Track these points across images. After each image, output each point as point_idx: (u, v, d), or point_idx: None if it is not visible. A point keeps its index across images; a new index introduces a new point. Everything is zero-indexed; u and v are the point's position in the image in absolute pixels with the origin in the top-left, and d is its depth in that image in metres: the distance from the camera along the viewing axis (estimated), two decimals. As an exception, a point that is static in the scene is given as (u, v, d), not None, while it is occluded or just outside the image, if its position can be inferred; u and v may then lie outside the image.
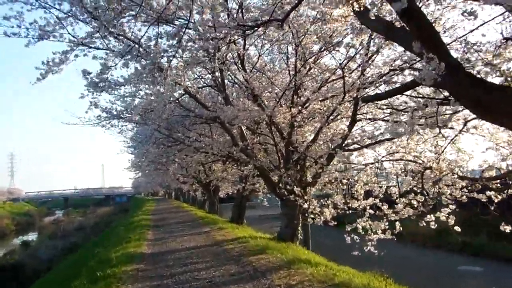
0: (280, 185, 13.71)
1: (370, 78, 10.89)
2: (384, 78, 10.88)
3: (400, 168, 11.74)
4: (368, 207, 11.34)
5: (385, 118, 12.86)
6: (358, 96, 11.50)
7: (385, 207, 11.14)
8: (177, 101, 14.64)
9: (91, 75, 11.89)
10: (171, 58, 8.99)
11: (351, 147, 13.28)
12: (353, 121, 12.23)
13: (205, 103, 12.99)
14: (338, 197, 11.55)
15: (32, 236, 55.16)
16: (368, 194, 11.80)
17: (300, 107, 12.28)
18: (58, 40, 8.80)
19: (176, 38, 7.99)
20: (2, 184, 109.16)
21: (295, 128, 12.88)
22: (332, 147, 13.14)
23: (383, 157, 10.72)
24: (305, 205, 12.15)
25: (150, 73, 10.47)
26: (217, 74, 12.96)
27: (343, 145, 12.54)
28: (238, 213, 22.61)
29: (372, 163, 10.80)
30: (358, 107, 12.27)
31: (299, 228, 14.15)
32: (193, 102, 17.38)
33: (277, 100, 11.37)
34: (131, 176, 56.23)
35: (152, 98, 10.47)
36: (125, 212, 54.98)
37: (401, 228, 9.85)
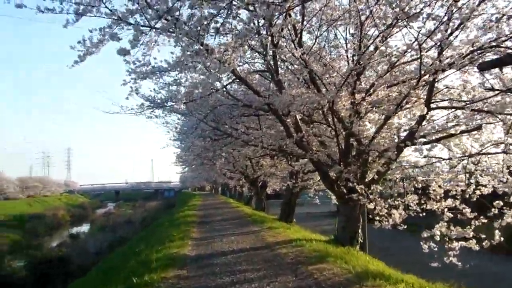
0: (339, 182, 12.01)
1: (449, 59, 9.08)
2: (466, 58, 9.02)
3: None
4: (446, 210, 9.50)
5: (464, 106, 10.84)
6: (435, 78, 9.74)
7: (467, 210, 9.28)
8: (224, 88, 13.25)
9: (131, 58, 10.80)
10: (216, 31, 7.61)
11: (420, 140, 11.35)
12: (427, 109, 10.40)
13: (256, 88, 11.43)
14: (411, 197, 9.72)
15: (84, 227, 56.25)
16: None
17: (363, 94, 10.53)
18: (95, 16, 7.57)
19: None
20: (59, 177, 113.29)
21: (357, 118, 11.14)
22: (399, 139, 11.34)
23: (483, 149, 8.73)
24: (370, 206, 10.41)
25: (195, 53, 9.08)
26: (269, 57, 11.44)
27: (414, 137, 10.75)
28: (287, 211, 21.03)
29: (463, 157, 8.91)
30: (433, 94, 10.45)
31: (359, 231, 12.39)
32: (242, 91, 16.00)
33: (339, 85, 9.62)
34: (178, 171, 55.93)
35: (198, 81, 9.05)
36: (172, 207, 54.88)
37: (501, 238, 7.97)
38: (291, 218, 20.99)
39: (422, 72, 9.32)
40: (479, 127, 10.29)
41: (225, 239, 12.81)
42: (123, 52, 7.26)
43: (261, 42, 11.46)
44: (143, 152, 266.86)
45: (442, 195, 9.35)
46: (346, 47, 12.07)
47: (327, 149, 13.06)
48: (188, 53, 9.94)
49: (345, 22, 11.64)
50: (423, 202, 9.78)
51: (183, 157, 28.12)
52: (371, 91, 11.02)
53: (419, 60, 9.94)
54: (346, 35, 12.09)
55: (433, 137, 11.05)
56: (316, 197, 21.42)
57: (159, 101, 12.51)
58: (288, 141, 14.20)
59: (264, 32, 10.70)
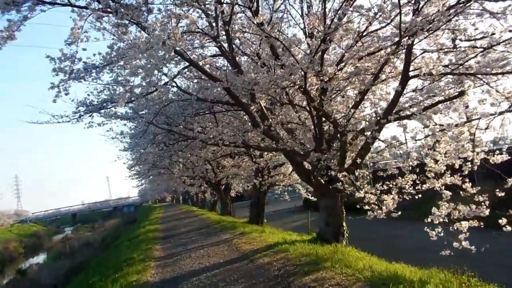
0: (316, 172, 10.47)
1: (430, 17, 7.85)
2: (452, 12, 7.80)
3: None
4: (443, 188, 8.16)
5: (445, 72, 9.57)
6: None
7: (467, 184, 7.97)
8: (173, 82, 11.40)
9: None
10: None
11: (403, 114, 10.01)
12: (406, 77, 9.12)
13: (211, 73, 9.63)
14: (409, 177, 8.28)
15: (41, 257, 52.22)
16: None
17: (333, 69, 9.02)
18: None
19: None
20: (9, 207, 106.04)
21: (330, 96, 9.64)
22: (377, 115, 9.94)
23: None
24: (359, 194, 8.91)
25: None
26: (222, 37, 9.74)
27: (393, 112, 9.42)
28: (257, 212, 19.37)
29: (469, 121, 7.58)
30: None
31: (344, 224, 10.92)
32: (195, 83, 14.20)
33: (311, 56, 8.01)
34: (135, 185, 53.05)
35: (139, 69, 7.17)
36: (133, 223, 52.14)
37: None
38: (261, 219, 19.35)
39: (402, 32, 7.95)
40: (462, 93, 9.09)
41: (194, 254, 10.96)
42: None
43: (210, 24, 9.78)
44: (98, 171, 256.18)
45: (443, 171, 7.96)
46: (304, 23, 10.57)
47: (297, 137, 11.53)
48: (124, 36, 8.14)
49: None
50: (418, 182, 8.38)
51: (137, 168, 25.76)
52: (342, 65, 9.58)
53: (396, 20, 8.66)
54: (302, 10, 10.62)
55: (415, 109, 9.78)
56: (286, 193, 19.88)
57: (95, 103, 10.44)
58: (253, 133, 12.59)
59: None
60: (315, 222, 17.43)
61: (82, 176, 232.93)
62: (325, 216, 10.87)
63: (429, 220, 7.53)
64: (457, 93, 9.23)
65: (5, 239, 66.62)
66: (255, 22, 7.41)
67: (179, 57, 10.16)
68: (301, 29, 10.78)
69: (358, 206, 9.09)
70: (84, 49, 8.62)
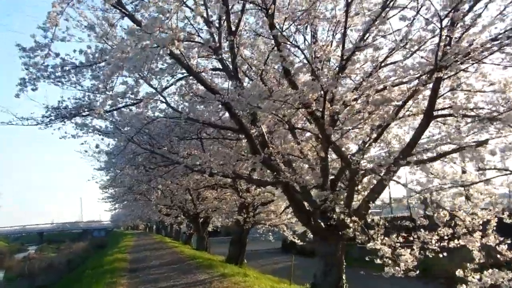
0: (320, 213, 8.98)
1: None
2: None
3: None
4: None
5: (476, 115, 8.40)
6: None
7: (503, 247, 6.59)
8: (161, 97, 9.95)
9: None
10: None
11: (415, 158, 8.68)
12: (429, 116, 7.94)
13: (211, 85, 8.18)
14: (443, 231, 6.82)
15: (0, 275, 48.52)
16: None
17: (352, 94, 7.72)
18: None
19: None
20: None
21: (339, 128, 8.31)
22: (393, 154, 8.59)
23: None
24: (371, 244, 7.42)
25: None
26: (224, 49, 8.44)
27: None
28: (238, 251, 17.59)
29: None
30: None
31: (344, 276, 9.34)
32: (185, 103, 12.74)
33: (337, 72, 6.67)
34: (107, 208, 50.65)
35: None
36: (102, 248, 49.35)
37: None
38: (242, 259, 17.56)
39: (438, 59, 6.75)
40: (484, 142, 7.89)
41: (165, 298, 9.19)
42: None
43: (211, 34, 8.48)
44: (72, 190, 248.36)
45: (480, 226, 6.55)
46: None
47: (297, 172, 10.06)
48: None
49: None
50: (446, 237, 6.94)
51: (111, 191, 23.82)
52: (357, 94, 8.28)
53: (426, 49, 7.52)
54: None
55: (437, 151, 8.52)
56: (270, 233, 18.23)
57: (70, 108, 8.85)
58: (247, 163, 11.12)
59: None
60: (297, 268, 15.84)
61: (55, 195, 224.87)
62: (323, 265, 9.27)
63: None
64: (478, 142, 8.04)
65: (-38, 254, 62.50)
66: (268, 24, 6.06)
67: (169, 69, 8.83)
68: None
69: (367, 259, 7.59)
70: (62, 40, 7.14)
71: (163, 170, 15.76)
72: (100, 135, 12.71)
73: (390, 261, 7.25)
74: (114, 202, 31.55)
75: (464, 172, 7.80)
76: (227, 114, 13.55)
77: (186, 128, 13.68)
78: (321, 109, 6.85)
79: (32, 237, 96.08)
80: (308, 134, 10.69)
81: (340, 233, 9.02)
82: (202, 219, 24.73)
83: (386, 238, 7.22)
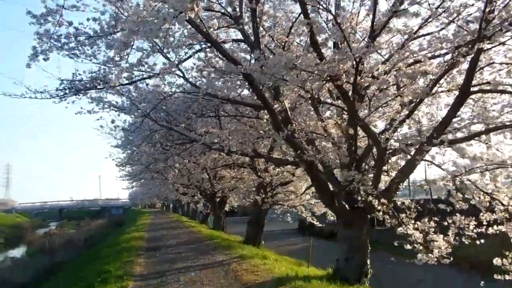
0: (343, 194, 8.48)
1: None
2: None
3: None
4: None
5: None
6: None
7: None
8: (178, 69, 9.45)
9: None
10: None
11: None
12: (465, 93, 7.33)
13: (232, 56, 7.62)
14: (485, 216, 6.26)
15: (20, 250, 49.52)
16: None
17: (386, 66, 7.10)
18: None
19: None
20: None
21: (367, 105, 7.71)
22: (424, 134, 8.00)
23: None
24: (402, 229, 6.90)
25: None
26: (245, 18, 7.89)
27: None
28: (255, 232, 17.24)
29: None
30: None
31: (368, 262, 8.87)
32: (202, 78, 12.21)
33: (368, 41, 6.07)
34: (125, 186, 50.40)
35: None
36: (119, 226, 49.72)
37: None
38: (259, 240, 17.23)
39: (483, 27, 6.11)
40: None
41: (183, 278, 8.85)
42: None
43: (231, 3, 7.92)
44: (91, 167, 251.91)
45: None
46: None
47: (319, 151, 9.53)
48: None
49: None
50: (485, 223, 6.38)
51: (128, 169, 23.61)
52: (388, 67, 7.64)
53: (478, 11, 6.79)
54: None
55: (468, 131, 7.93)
56: (288, 214, 17.83)
57: (85, 81, 8.40)
58: (267, 141, 10.61)
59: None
60: (314, 250, 15.43)
61: (74, 172, 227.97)
62: (346, 250, 8.81)
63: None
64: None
65: (-15, 227, 63.95)
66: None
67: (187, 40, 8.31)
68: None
69: (396, 244, 7.09)
70: (74, 7, 6.66)
71: (180, 148, 15.39)
72: (116, 111, 12.37)
73: (421, 247, 6.74)
74: (131, 180, 31.48)
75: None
76: (246, 92, 13.05)
77: (204, 105, 13.22)
78: (350, 83, 6.26)
79: (53, 213, 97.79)
80: (330, 110, 10.14)
81: (365, 216, 8.53)
82: (219, 198, 24.45)
83: (418, 223, 6.70)
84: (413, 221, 6.87)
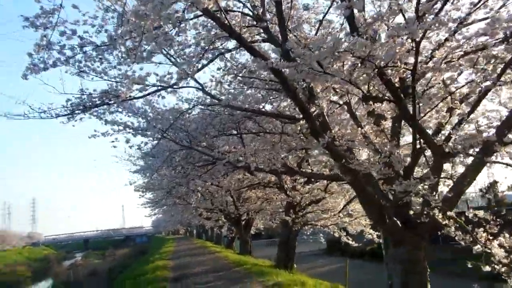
0: (394, 209, 7.20)
1: None
2: None
3: None
4: None
5: None
6: None
7: None
8: (194, 80, 8.46)
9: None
10: None
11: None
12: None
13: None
14: None
15: (47, 283, 48.85)
16: None
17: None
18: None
19: None
20: (24, 229, 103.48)
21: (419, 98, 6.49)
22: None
23: None
24: (478, 247, 5.59)
25: None
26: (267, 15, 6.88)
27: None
28: (286, 254, 15.90)
29: None
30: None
31: (428, 284, 7.51)
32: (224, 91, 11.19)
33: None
34: (147, 214, 49.58)
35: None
36: (143, 254, 48.83)
37: None
38: (291, 263, 15.86)
39: None
40: None
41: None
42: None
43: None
44: (113, 198, 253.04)
45: None
46: None
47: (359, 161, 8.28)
48: None
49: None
50: None
51: (149, 196, 22.65)
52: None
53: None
54: None
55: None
56: (321, 234, 16.48)
57: (95, 97, 7.41)
58: (298, 153, 9.46)
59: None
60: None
61: (97, 203, 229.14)
62: (401, 275, 7.47)
63: None
64: None
65: (14, 262, 63.83)
66: None
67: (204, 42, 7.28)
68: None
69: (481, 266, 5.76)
70: (75, 6, 5.73)
71: (201, 170, 14.39)
72: (131, 132, 11.44)
73: (505, 269, 5.42)
74: (153, 207, 30.57)
75: None
76: (268, 107, 12.01)
77: (224, 122, 12.22)
78: (408, 69, 5.10)
79: (78, 244, 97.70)
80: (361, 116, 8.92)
81: (423, 232, 7.24)
82: (244, 221, 23.20)
83: (502, 239, 5.40)
84: (490, 237, 5.56)
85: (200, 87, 9.16)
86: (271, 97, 10.34)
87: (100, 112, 9.55)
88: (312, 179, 13.32)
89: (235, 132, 13.05)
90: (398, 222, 7.59)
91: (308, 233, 17.56)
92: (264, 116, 10.34)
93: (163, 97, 8.48)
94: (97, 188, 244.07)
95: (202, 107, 11.39)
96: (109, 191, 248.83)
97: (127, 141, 10.90)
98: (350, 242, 15.65)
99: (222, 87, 9.85)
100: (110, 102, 7.29)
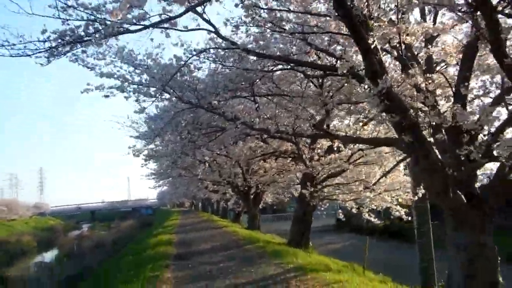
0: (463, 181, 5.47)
1: None
2: None
3: None
4: None
5: None
6: None
7: None
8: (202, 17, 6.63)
9: None
10: None
11: None
12: None
13: None
14: None
15: (53, 253, 48.12)
16: None
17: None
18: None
19: None
20: (32, 199, 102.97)
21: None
22: None
23: None
24: None
25: None
26: None
27: None
28: (301, 232, 14.27)
29: None
30: None
31: (500, 279, 5.83)
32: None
33: None
34: (151, 186, 47.83)
35: None
36: (148, 226, 47.94)
37: None
38: (306, 241, 14.25)
39: None
40: None
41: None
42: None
43: None
44: (121, 169, 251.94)
45: None
46: None
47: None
48: None
49: None
50: None
51: (153, 165, 21.06)
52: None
53: None
54: None
55: None
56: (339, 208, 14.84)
57: (76, 28, 5.58)
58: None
59: None
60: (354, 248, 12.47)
61: (105, 174, 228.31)
62: (466, 262, 5.78)
63: None
64: None
65: (21, 232, 63.27)
66: None
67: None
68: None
69: None
70: None
71: (210, 136, 12.70)
72: (130, 90, 9.65)
73: None
74: (157, 178, 29.08)
75: None
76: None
77: (238, 80, 10.43)
78: None
79: (86, 215, 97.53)
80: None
81: (490, 212, 5.53)
82: (253, 195, 21.60)
83: None
84: None
85: (213, 29, 7.34)
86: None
87: (91, 54, 7.85)
88: (336, 147, 11.56)
89: (247, 94, 11.30)
90: (463, 197, 5.86)
91: (323, 208, 15.88)
92: (290, 68, 8.50)
93: (168, 35, 6.65)
94: (104, 160, 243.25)
95: (211, 59, 9.60)
96: (116, 163, 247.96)
97: (126, 97, 9.18)
98: (373, 219, 13.99)
99: (240, 30, 7.92)
100: (97, 32, 5.44)
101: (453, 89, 5.79)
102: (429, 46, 5.98)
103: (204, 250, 12.93)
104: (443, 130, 5.82)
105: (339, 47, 8.03)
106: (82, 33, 5.62)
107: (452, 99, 5.80)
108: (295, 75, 11.15)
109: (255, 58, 8.72)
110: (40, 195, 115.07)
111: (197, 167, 20.32)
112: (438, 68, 6.79)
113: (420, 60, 6.21)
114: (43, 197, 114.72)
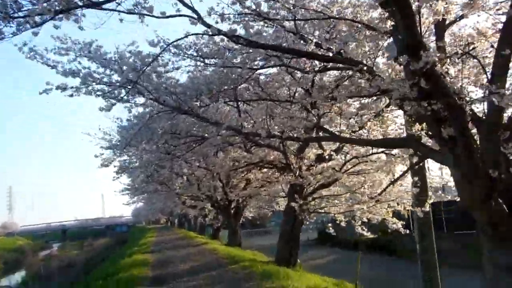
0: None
1: None
2: None
3: None
4: None
5: None
6: None
7: None
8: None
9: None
10: None
11: None
12: None
13: None
14: None
15: (20, 275, 45.20)
16: None
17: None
18: None
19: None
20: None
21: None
22: None
23: None
24: None
25: None
26: None
27: None
28: (289, 248, 12.97)
29: None
30: None
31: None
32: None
33: None
34: (125, 202, 45.43)
35: None
36: (122, 244, 45.78)
37: None
38: (295, 259, 12.97)
39: None
40: None
41: None
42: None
43: None
44: (93, 186, 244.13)
45: None
46: None
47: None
48: None
49: None
50: None
51: (127, 181, 19.52)
52: None
53: None
54: None
55: None
56: (329, 224, 13.66)
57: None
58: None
59: None
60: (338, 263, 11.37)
61: (77, 191, 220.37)
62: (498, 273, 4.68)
63: None
64: None
65: (-14, 253, 59.58)
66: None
67: None
68: None
69: None
70: None
71: (191, 146, 11.44)
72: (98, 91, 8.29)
73: None
74: (132, 194, 27.34)
75: None
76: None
77: (221, 82, 9.32)
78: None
79: (56, 234, 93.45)
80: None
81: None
82: (233, 209, 20.23)
83: None
84: None
85: (196, 16, 6.10)
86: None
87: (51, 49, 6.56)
88: (327, 156, 10.49)
89: (229, 98, 10.18)
90: (505, 207, 4.78)
91: (309, 222, 14.72)
92: (282, 65, 7.33)
93: (143, 22, 5.42)
94: (76, 177, 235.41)
95: (192, 56, 8.37)
96: (89, 180, 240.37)
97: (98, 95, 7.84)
98: (365, 233, 12.87)
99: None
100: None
101: (487, 74, 4.74)
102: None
103: (183, 272, 11.45)
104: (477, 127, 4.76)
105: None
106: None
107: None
108: (282, 78, 10.14)
109: (241, 55, 7.64)
110: (9, 215, 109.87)
111: (174, 181, 18.93)
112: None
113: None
114: (12, 217, 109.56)
